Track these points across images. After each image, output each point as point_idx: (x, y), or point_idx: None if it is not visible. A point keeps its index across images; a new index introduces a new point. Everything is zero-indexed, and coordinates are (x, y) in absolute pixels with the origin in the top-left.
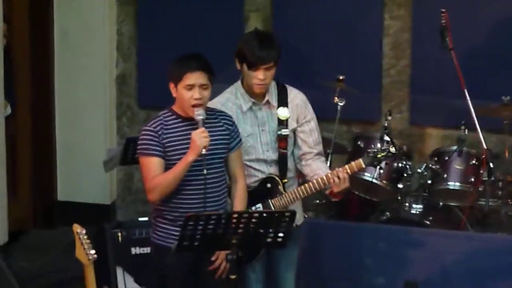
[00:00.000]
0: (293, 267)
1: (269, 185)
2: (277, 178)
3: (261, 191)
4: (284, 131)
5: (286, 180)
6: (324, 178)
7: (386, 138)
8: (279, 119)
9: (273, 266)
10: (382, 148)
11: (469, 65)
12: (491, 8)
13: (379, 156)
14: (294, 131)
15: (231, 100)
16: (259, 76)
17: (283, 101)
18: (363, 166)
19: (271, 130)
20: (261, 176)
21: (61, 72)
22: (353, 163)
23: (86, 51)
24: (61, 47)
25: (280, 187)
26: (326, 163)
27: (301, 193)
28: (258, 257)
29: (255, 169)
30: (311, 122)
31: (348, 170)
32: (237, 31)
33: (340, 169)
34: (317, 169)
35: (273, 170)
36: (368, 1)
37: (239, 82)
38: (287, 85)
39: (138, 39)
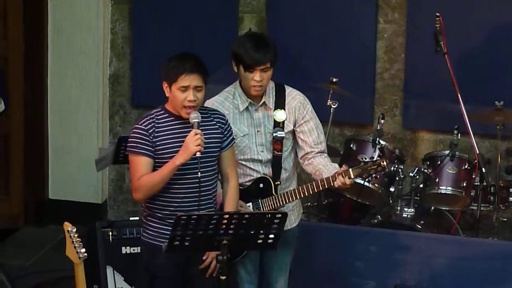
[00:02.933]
0: (286, 271)
1: (261, 185)
2: (269, 179)
3: (253, 191)
4: (280, 134)
5: (278, 183)
6: (325, 181)
7: (377, 151)
8: (275, 121)
9: (265, 268)
10: (373, 161)
11: (463, 69)
12: (485, 13)
13: (369, 169)
14: (294, 133)
15: (229, 100)
16: (256, 78)
17: (280, 103)
18: (352, 176)
19: (267, 132)
20: (255, 175)
21: (54, 70)
22: (343, 171)
23: (79, 49)
24: (55, 45)
25: (272, 189)
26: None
27: (292, 197)
28: (244, 255)
29: (250, 168)
30: (310, 122)
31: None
32: (231, 32)
33: (339, 175)
34: (318, 164)
35: (268, 170)
36: (363, 4)
37: (237, 82)
38: (286, 86)
39: (132, 39)
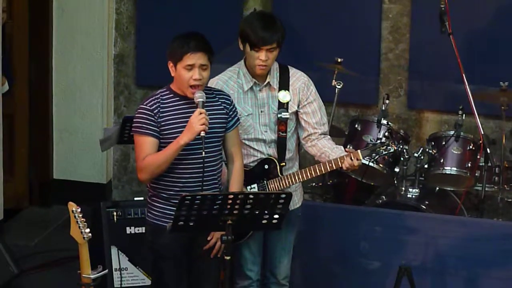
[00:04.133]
0: (289, 251)
1: (266, 167)
2: (275, 161)
3: (258, 172)
4: (284, 115)
5: (283, 164)
6: (322, 167)
7: (382, 132)
8: (279, 102)
9: (269, 249)
10: (382, 142)
11: (467, 50)
12: None
13: (377, 150)
14: (296, 113)
15: (233, 79)
16: (261, 57)
17: (284, 84)
18: (361, 158)
19: (271, 112)
20: (260, 156)
21: (59, 51)
22: (351, 153)
23: (84, 29)
24: (59, 25)
25: (278, 170)
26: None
27: (298, 178)
28: (249, 236)
29: (254, 149)
30: (313, 103)
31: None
32: (236, 12)
33: (347, 157)
34: (323, 147)
35: (272, 151)
36: None
37: (242, 62)
38: (290, 67)
39: (137, 19)
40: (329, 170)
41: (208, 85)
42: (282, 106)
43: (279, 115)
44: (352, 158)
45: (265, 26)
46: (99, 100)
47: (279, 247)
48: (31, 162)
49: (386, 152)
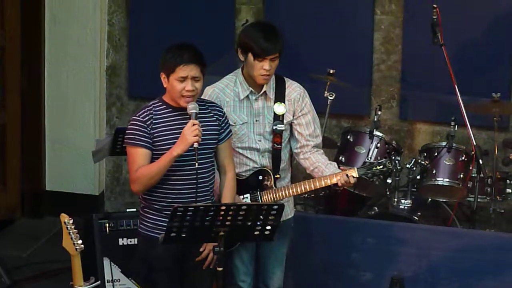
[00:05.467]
0: (282, 262)
1: (261, 178)
2: (270, 172)
3: (252, 183)
4: (280, 127)
5: (278, 176)
6: (316, 182)
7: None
8: (275, 114)
9: (262, 260)
10: (379, 161)
11: (460, 61)
12: (483, 4)
13: (374, 168)
14: (291, 124)
15: (230, 87)
16: (265, 67)
17: (280, 95)
18: (357, 176)
19: (266, 122)
20: (252, 165)
21: (51, 62)
22: (347, 171)
23: (76, 41)
24: (52, 36)
25: (271, 182)
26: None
27: (292, 191)
28: (238, 245)
29: (247, 157)
30: (308, 115)
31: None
32: (228, 24)
33: (333, 174)
34: (316, 161)
35: (265, 161)
36: None
37: (239, 70)
38: (286, 78)
39: (129, 30)
40: (324, 186)
41: (205, 92)
42: (278, 118)
43: (274, 127)
44: (348, 175)
45: (267, 36)
46: (91, 111)
47: (272, 258)
48: (24, 174)
49: (382, 171)
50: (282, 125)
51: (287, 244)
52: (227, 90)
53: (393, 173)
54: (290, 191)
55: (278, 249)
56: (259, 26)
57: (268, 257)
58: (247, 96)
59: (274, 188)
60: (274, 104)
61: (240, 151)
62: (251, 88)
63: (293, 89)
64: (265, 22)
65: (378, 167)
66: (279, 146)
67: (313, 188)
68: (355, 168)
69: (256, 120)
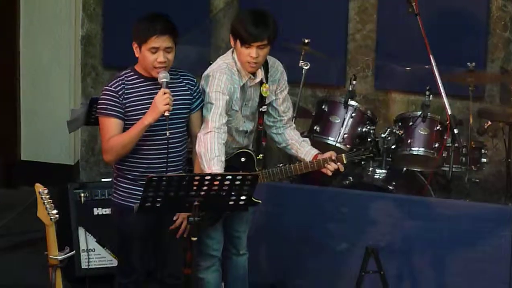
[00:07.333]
0: (248, 222)
1: (243, 159)
2: (252, 153)
3: (235, 164)
4: (264, 108)
5: (260, 157)
6: (315, 164)
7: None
8: (261, 96)
9: (229, 223)
10: (366, 148)
11: (435, 31)
12: None
13: (361, 155)
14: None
15: (235, 73)
16: (252, 54)
17: (265, 77)
18: (344, 161)
19: (254, 105)
20: (235, 146)
21: (26, 32)
22: (336, 157)
23: (51, 11)
24: (26, 7)
25: (254, 163)
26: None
27: (277, 175)
28: (220, 220)
29: (234, 139)
30: (285, 91)
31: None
32: None
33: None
34: (290, 138)
35: (247, 141)
36: None
37: (235, 56)
38: (268, 57)
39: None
40: (310, 170)
41: (216, 76)
42: (262, 99)
43: (260, 109)
44: (336, 162)
45: (255, 22)
46: (66, 81)
47: (238, 220)
48: None
49: (369, 155)
50: (265, 106)
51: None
52: (234, 76)
53: (366, 140)
54: (275, 176)
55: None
56: (249, 12)
57: (235, 220)
58: (245, 83)
59: (256, 169)
60: (261, 86)
61: (234, 133)
62: (250, 75)
63: (276, 68)
64: (259, 9)
65: (365, 153)
66: (261, 127)
67: (298, 173)
68: (343, 155)
69: (245, 104)
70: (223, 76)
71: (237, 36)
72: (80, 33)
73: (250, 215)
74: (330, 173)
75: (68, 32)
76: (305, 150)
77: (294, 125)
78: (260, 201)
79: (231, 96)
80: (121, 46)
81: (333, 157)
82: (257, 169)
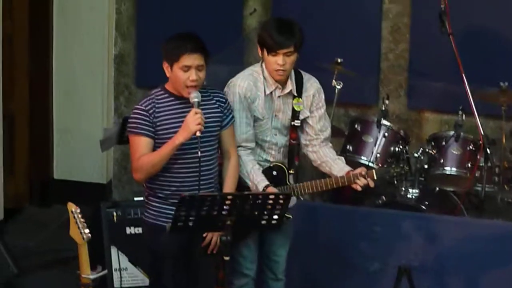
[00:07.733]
0: (286, 246)
1: (275, 173)
2: (284, 168)
3: (266, 178)
4: (297, 122)
5: (292, 171)
6: (345, 179)
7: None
8: (294, 110)
9: (266, 243)
10: (397, 165)
11: (467, 50)
12: None
13: (392, 171)
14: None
15: (260, 81)
16: (279, 62)
17: (299, 90)
18: (375, 177)
19: (287, 118)
20: (268, 159)
21: (59, 51)
22: (366, 173)
23: (84, 29)
24: (60, 25)
25: (286, 178)
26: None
27: (308, 189)
28: (250, 236)
29: (265, 151)
30: (321, 109)
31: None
32: (236, 12)
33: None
34: (324, 156)
35: (280, 156)
36: None
37: (263, 65)
38: (303, 72)
39: (137, 19)
40: (340, 185)
41: (238, 84)
42: (295, 113)
43: (292, 123)
44: (366, 177)
45: (281, 30)
46: (99, 100)
47: (278, 242)
48: (32, 162)
49: (400, 172)
50: (299, 121)
51: (291, 226)
52: (258, 83)
53: (400, 160)
54: (305, 189)
55: (282, 233)
56: (275, 20)
57: (274, 240)
58: (271, 92)
59: (288, 184)
60: (293, 100)
61: (259, 142)
62: (277, 84)
63: (311, 84)
64: (285, 18)
65: (395, 170)
66: (295, 142)
67: (329, 188)
68: (374, 170)
69: (275, 115)
70: (244, 82)
71: (263, 44)
72: (113, 52)
73: (291, 239)
74: (359, 188)
75: (102, 51)
76: (338, 168)
77: (330, 144)
78: (291, 216)
79: (252, 101)
80: (154, 65)
81: (363, 173)
82: (288, 183)
